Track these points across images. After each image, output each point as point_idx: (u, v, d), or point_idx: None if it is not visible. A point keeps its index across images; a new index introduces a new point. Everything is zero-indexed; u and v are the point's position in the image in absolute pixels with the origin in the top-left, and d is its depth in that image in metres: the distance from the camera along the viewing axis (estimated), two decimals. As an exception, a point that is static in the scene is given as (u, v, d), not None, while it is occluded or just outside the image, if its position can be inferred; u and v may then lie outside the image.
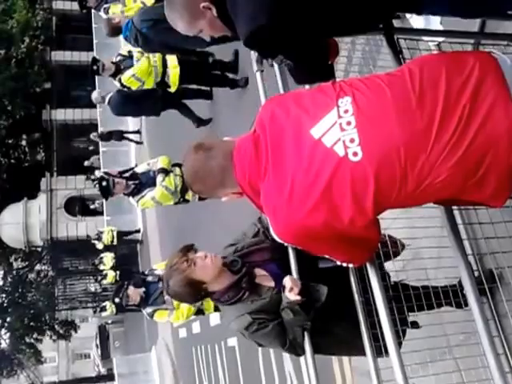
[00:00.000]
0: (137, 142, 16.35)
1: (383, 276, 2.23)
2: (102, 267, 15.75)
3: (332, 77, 2.23)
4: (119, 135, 14.78)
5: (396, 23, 2.33)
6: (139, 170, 6.85)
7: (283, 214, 1.68)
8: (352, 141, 1.58)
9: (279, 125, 1.70)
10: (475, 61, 1.63)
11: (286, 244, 2.08)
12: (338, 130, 1.60)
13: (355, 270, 2.28)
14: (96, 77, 12.02)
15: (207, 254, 2.44)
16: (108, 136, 14.59)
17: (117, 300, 6.93)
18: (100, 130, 16.20)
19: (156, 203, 6.77)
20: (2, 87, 20.74)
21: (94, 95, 9.35)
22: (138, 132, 16.71)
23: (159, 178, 6.46)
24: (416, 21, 3.12)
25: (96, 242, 16.05)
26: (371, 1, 1.89)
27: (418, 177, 1.57)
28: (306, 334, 2.37)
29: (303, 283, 2.34)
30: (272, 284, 2.51)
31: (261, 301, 2.46)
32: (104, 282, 16.10)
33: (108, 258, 15.47)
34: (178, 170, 6.48)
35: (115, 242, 15.68)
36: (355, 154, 1.57)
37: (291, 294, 2.32)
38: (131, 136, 15.76)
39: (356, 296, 2.30)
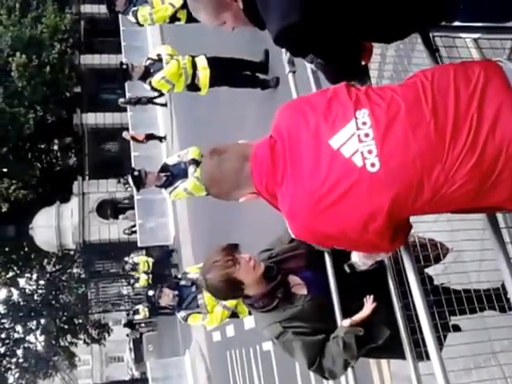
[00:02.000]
0: (162, 105, 16.52)
1: (423, 280, 2.20)
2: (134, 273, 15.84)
3: (366, 77, 2.23)
4: (146, 100, 14.84)
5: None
6: (170, 161, 6.84)
7: (300, 221, 1.73)
8: (370, 152, 1.63)
9: (296, 132, 1.73)
10: (480, 70, 1.68)
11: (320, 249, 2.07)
12: (356, 141, 1.65)
13: (394, 274, 2.29)
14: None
15: (252, 256, 2.45)
16: (136, 101, 14.67)
17: (150, 292, 6.94)
18: (128, 95, 16.27)
19: (188, 194, 6.75)
20: (35, 93, 21.13)
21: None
22: (165, 105, 16.91)
23: (191, 168, 6.45)
24: (452, 16, 3.08)
25: (132, 272, 16.06)
26: (405, 8, 1.86)
27: (434, 186, 1.62)
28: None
29: (368, 323, 2.32)
30: (305, 292, 2.50)
31: (293, 309, 2.45)
32: (136, 285, 16.21)
33: (142, 263, 15.48)
34: None
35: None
36: (373, 164, 1.62)
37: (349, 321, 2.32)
38: (158, 100, 15.88)
39: (395, 301, 2.28)
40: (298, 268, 2.56)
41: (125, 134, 15.45)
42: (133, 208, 19.18)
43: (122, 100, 14.96)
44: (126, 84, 15.38)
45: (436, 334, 1.97)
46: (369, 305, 2.35)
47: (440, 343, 2.10)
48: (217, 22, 1.97)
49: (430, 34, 2.22)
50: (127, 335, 28.93)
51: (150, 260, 15.54)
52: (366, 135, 1.64)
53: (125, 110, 20.45)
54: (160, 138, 16.90)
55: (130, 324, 25.00)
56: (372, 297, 2.36)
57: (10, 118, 20.47)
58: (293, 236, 1.84)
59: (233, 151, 1.83)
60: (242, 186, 1.81)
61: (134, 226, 16.01)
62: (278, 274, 2.48)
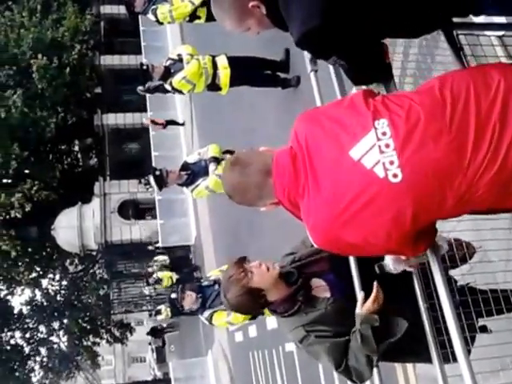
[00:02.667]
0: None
1: (449, 280, 2.21)
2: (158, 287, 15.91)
3: (390, 76, 2.24)
4: (164, 89, 14.96)
5: (455, 18, 2.23)
6: (190, 160, 6.87)
7: (322, 231, 1.76)
8: (391, 163, 1.64)
9: (316, 143, 1.75)
10: (500, 76, 1.67)
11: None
12: (377, 152, 1.66)
13: (419, 275, 2.27)
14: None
15: (261, 262, 2.47)
16: (154, 88, 14.76)
17: (173, 295, 6.96)
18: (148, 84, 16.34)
19: (210, 192, 6.77)
20: (56, 94, 21.39)
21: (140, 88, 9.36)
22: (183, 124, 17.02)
23: (211, 166, 6.45)
24: (476, 14, 3.05)
25: (157, 286, 16.14)
26: (427, 6, 1.85)
27: (457, 193, 1.63)
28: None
29: (385, 309, 2.32)
30: (328, 295, 2.51)
31: (315, 312, 2.46)
32: (158, 286, 16.33)
33: (166, 278, 15.57)
34: (228, 157, 6.45)
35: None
36: (395, 175, 1.63)
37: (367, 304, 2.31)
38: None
39: (421, 302, 2.27)
40: (321, 271, 2.57)
41: (144, 120, 15.54)
42: (154, 208, 19.31)
43: (140, 88, 15.05)
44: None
45: (463, 334, 1.96)
46: (375, 290, 2.34)
47: (468, 345, 2.08)
48: (242, 29, 2.01)
49: (454, 32, 2.20)
50: (149, 343, 29.18)
51: (175, 276, 15.65)
52: (387, 146, 1.65)
53: (145, 110, 20.59)
54: (179, 124, 16.97)
55: (154, 332, 25.21)
56: (376, 284, 2.34)
57: (31, 121, 20.76)
58: (314, 245, 1.87)
59: (255, 164, 1.83)
60: (264, 198, 1.85)
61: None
62: (299, 279, 2.50)
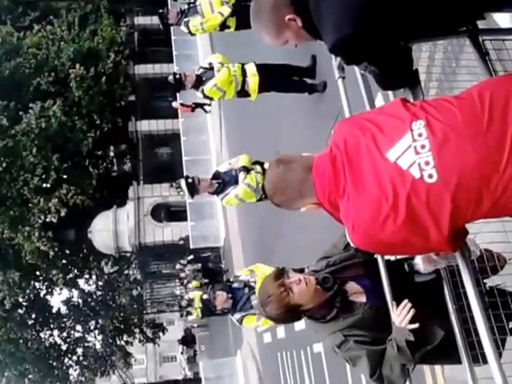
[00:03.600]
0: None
1: (477, 281, 2.16)
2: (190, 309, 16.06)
3: (417, 82, 2.29)
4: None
5: (480, 23, 2.29)
6: (221, 169, 6.99)
7: (362, 232, 1.77)
8: (427, 163, 1.66)
9: (354, 146, 1.78)
10: None
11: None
12: (412, 152, 1.68)
13: (448, 276, 2.28)
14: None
15: (300, 277, 2.44)
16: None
17: (205, 296, 7.02)
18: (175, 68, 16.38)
19: (239, 200, 6.87)
20: (92, 103, 21.95)
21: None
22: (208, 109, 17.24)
23: (241, 175, 6.57)
24: (501, 18, 3.02)
25: (189, 309, 16.26)
26: (455, 5, 1.91)
27: (493, 195, 1.63)
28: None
29: (419, 321, 2.27)
30: (364, 299, 2.50)
31: (352, 317, 2.45)
32: (190, 286, 16.57)
33: (197, 298, 15.71)
34: (258, 167, 6.61)
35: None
36: (430, 175, 1.65)
37: (401, 319, 2.27)
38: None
39: (449, 303, 2.26)
40: (356, 276, 2.56)
41: (174, 104, 15.70)
42: (185, 211, 19.55)
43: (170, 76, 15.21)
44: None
45: (493, 336, 1.94)
46: (403, 311, 2.28)
47: (498, 348, 2.06)
48: (280, 42, 2.08)
49: (480, 38, 2.24)
50: (182, 353, 29.22)
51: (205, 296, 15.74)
52: (423, 147, 1.67)
53: (176, 116, 20.96)
54: (205, 110, 17.10)
55: (185, 341, 25.23)
56: (407, 303, 2.29)
57: (70, 130, 21.30)
58: (352, 245, 1.89)
59: (298, 162, 1.89)
60: (305, 196, 1.87)
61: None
62: (334, 284, 2.49)
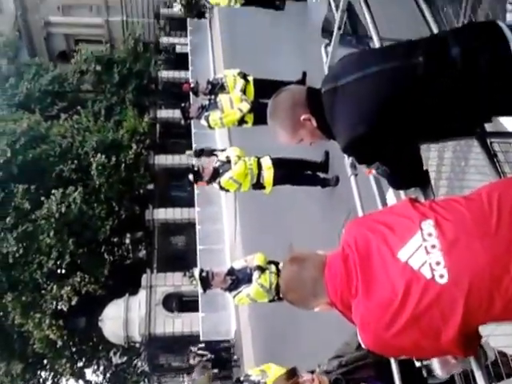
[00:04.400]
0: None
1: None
2: None
3: (428, 182, 2.35)
4: (209, 152, 15.23)
5: (488, 126, 2.38)
6: (236, 266, 6.94)
7: (372, 333, 1.76)
8: (438, 263, 1.66)
9: (365, 246, 1.80)
10: None
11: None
12: (423, 252, 1.69)
13: (462, 380, 2.26)
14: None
15: (313, 376, 2.45)
16: (200, 152, 15.08)
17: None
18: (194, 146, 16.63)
19: (251, 300, 6.76)
20: (111, 190, 22.46)
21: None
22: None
23: (255, 274, 6.50)
24: (508, 121, 3.18)
25: None
26: (464, 110, 2.01)
27: (505, 295, 1.62)
28: None
29: None
30: None
31: None
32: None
33: None
34: (273, 267, 6.53)
35: None
36: (441, 275, 1.65)
37: None
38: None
39: None
40: (368, 377, 2.54)
41: (188, 154, 15.69)
42: (197, 300, 19.27)
43: (188, 152, 15.47)
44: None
45: None
46: None
47: None
48: (295, 140, 2.19)
49: (488, 140, 2.31)
50: None
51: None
52: (433, 246, 1.68)
53: (192, 205, 21.25)
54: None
55: None
56: None
57: (88, 218, 21.64)
58: (363, 346, 1.86)
59: (312, 261, 1.91)
60: (318, 296, 1.87)
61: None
62: None
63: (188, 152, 15.47)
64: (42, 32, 31.35)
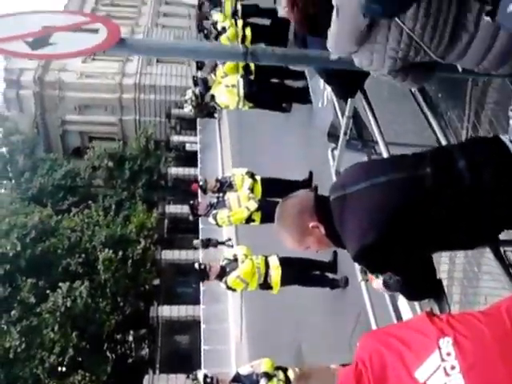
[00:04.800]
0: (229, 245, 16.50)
1: None
2: None
3: (442, 291, 2.31)
4: (216, 243, 14.93)
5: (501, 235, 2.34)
6: (242, 371, 6.75)
7: None
8: None
9: (381, 362, 1.73)
10: None
11: None
12: (442, 374, 1.61)
13: None
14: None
15: None
16: (207, 242, 14.79)
17: None
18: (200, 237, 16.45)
19: None
20: (117, 285, 22.24)
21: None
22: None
23: (262, 382, 6.31)
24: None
25: None
26: (471, 222, 2.00)
27: None
28: None
29: None
30: None
31: None
32: None
33: None
34: (281, 374, 6.34)
35: None
36: None
37: None
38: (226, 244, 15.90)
39: None
40: None
41: (195, 243, 15.53)
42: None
43: (196, 241, 15.42)
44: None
45: None
46: None
47: None
48: (302, 247, 2.16)
49: (501, 249, 2.30)
50: None
51: None
52: (452, 367, 1.60)
53: (198, 302, 20.85)
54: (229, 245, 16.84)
55: None
56: None
57: (93, 312, 21.34)
58: None
59: (320, 379, 1.86)
60: None
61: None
62: None
63: (195, 241, 15.53)
64: (59, 130, 32.64)
